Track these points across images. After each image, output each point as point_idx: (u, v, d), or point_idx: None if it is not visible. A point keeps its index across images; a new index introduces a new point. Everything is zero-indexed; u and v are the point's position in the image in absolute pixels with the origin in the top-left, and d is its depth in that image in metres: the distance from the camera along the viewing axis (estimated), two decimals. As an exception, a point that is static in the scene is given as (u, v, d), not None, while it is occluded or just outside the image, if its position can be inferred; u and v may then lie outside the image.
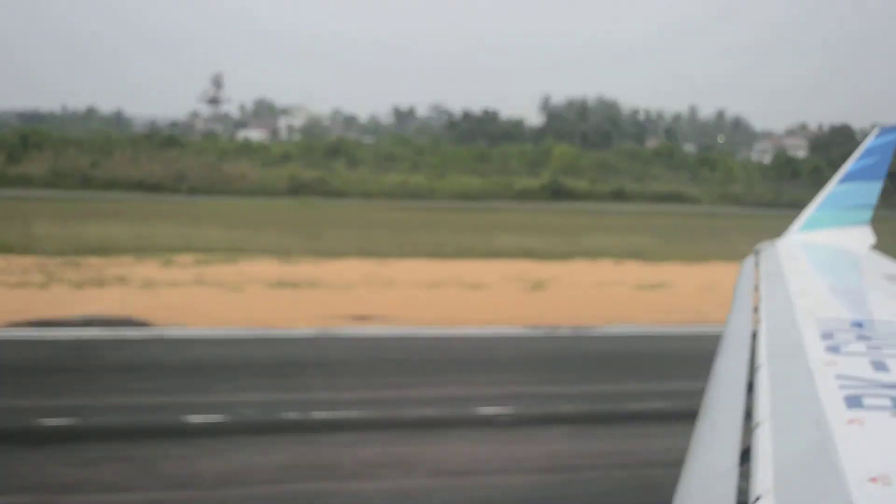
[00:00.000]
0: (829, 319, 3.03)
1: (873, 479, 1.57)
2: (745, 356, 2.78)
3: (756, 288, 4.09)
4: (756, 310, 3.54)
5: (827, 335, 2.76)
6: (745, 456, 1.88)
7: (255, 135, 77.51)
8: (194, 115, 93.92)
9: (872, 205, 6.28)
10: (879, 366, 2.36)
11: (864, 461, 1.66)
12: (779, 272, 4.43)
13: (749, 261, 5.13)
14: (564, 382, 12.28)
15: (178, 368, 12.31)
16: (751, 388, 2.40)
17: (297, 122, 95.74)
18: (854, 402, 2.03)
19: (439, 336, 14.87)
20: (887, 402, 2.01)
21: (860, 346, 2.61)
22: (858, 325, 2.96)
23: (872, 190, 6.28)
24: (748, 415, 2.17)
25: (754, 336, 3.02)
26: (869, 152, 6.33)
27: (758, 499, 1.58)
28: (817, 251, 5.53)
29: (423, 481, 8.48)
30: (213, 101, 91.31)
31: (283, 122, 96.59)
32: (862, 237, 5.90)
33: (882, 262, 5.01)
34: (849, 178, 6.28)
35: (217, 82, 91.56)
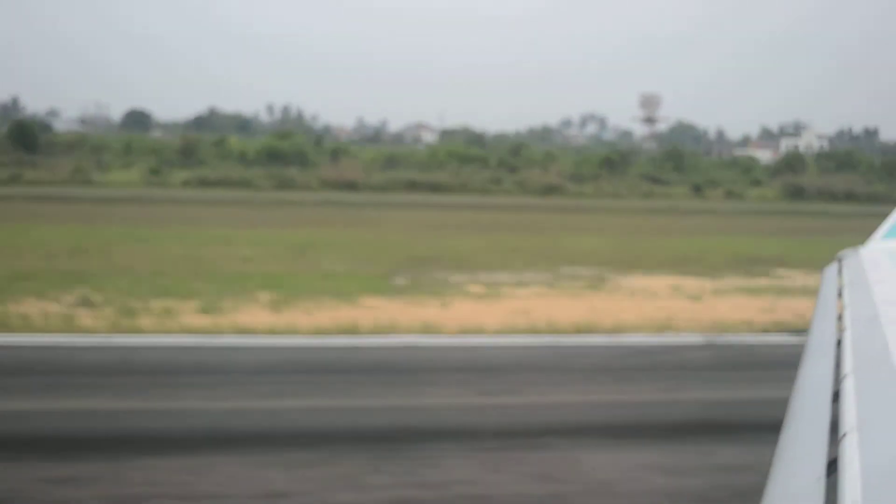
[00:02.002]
0: None
1: None
2: (830, 365, 2.71)
3: (839, 296, 3.99)
4: (840, 318, 3.45)
5: None
6: (832, 467, 1.83)
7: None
8: (626, 134, 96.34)
9: None
10: None
11: None
12: (863, 280, 4.31)
13: (832, 268, 5.01)
14: None
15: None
16: (836, 397, 2.33)
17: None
18: None
19: None
20: None
21: None
22: None
23: None
24: (834, 426, 2.11)
25: (839, 345, 2.94)
26: None
27: None
28: None
29: None
30: (649, 120, 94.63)
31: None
32: None
33: None
34: None
35: (650, 102, 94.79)
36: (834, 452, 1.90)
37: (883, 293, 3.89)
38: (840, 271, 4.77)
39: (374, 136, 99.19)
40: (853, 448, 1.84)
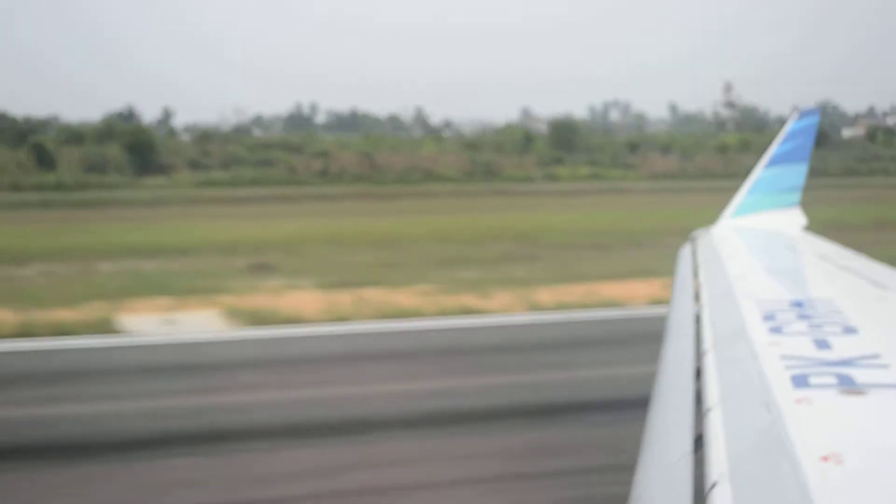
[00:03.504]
0: (769, 301, 3.07)
1: (825, 458, 1.58)
2: (691, 342, 2.80)
3: (695, 274, 4.14)
4: (697, 296, 3.57)
5: (768, 316, 2.79)
6: (699, 442, 1.89)
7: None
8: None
9: (800, 187, 6.44)
10: (822, 344, 2.39)
11: (814, 440, 1.67)
12: (716, 257, 4.49)
13: (686, 248, 5.20)
14: None
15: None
16: (699, 373, 2.41)
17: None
18: (800, 381, 2.05)
19: None
20: (833, 380, 2.04)
21: (802, 326, 2.64)
22: (798, 304, 3.00)
23: (799, 172, 6.44)
24: (698, 400, 2.18)
25: (697, 322, 3.05)
26: (791, 135, 6.49)
27: (714, 485, 1.58)
28: (751, 235, 5.63)
29: None
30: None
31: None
32: (793, 219, 6.04)
33: (815, 242, 5.12)
34: (774, 161, 6.43)
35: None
36: (699, 428, 1.96)
37: (734, 269, 4.06)
38: (694, 250, 4.95)
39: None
40: (717, 422, 1.90)
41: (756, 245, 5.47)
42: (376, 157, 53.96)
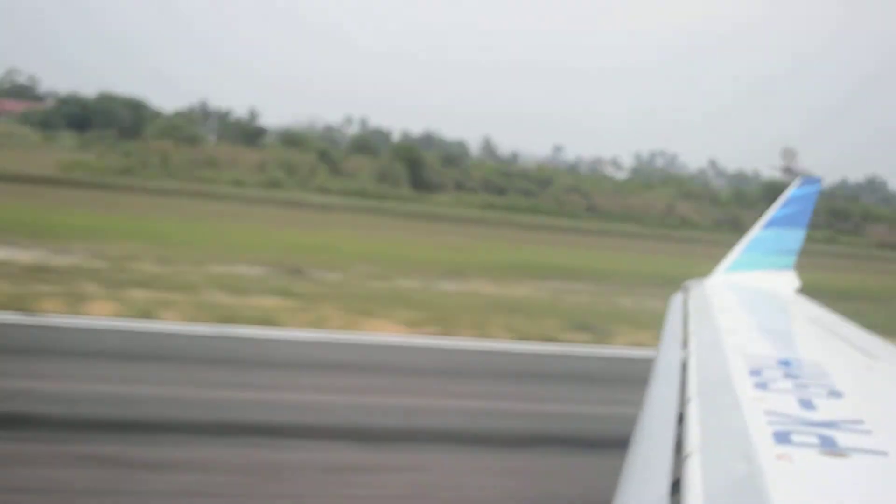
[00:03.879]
0: (757, 356, 3.07)
1: None
2: (675, 388, 2.80)
3: (685, 323, 4.14)
4: (685, 344, 3.57)
5: (755, 371, 2.79)
6: (676, 487, 1.88)
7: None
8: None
9: (796, 251, 6.48)
10: (806, 404, 2.39)
11: (793, 497, 1.66)
12: (707, 309, 4.49)
13: (677, 297, 5.20)
14: None
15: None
16: (681, 419, 2.40)
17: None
18: (782, 437, 2.05)
19: None
20: (815, 440, 2.03)
21: (787, 384, 2.64)
22: (786, 363, 3.00)
23: (796, 237, 6.48)
24: (679, 446, 2.17)
25: (684, 369, 3.04)
26: (791, 201, 6.54)
27: None
28: (744, 292, 5.64)
29: None
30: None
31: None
32: (787, 281, 6.06)
33: (807, 306, 5.13)
34: (773, 224, 6.46)
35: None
36: (678, 472, 1.95)
37: (725, 322, 4.06)
38: (685, 300, 4.96)
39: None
40: (696, 468, 1.89)
41: (748, 301, 5.48)
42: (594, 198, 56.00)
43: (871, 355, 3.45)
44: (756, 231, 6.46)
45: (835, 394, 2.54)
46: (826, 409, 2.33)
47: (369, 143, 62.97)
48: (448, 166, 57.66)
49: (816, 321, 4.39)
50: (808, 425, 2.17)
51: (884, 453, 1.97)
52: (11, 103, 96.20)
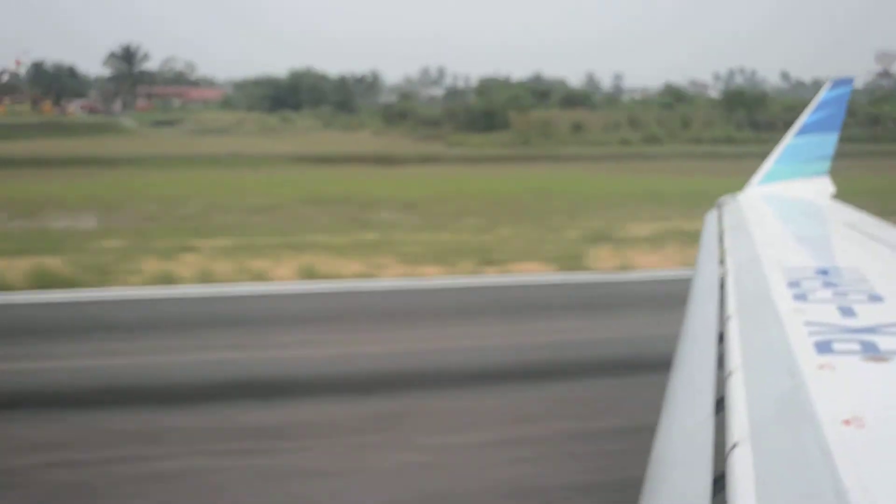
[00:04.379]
0: (794, 268, 3.07)
1: (846, 422, 1.58)
2: (714, 307, 2.80)
3: (721, 240, 4.13)
4: (722, 261, 3.57)
5: (794, 283, 2.78)
6: (720, 405, 1.90)
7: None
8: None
9: (830, 156, 6.39)
10: (846, 311, 2.39)
11: (836, 405, 1.68)
12: (742, 224, 4.47)
13: (712, 214, 5.17)
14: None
15: None
16: (721, 338, 2.42)
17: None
18: (824, 347, 2.05)
19: None
20: (856, 347, 2.04)
21: (826, 293, 2.64)
22: (824, 272, 2.99)
23: (829, 141, 6.38)
24: (721, 364, 2.18)
25: (722, 287, 3.05)
26: (823, 105, 6.42)
27: (735, 446, 1.60)
28: (779, 203, 5.59)
29: None
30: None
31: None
32: (822, 188, 5.99)
33: (843, 211, 5.08)
34: (805, 130, 6.37)
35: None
36: (721, 391, 1.97)
37: (761, 236, 4.04)
38: (720, 216, 4.93)
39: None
40: (739, 386, 1.91)
41: (783, 213, 5.43)
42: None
43: None
44: (788, 139, 6.37)
45: (875, 298, 2.54)
46: (867, 315, 2.33)
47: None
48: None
49: (853, 226, 4.35)
50: (849, 332, 2.17)
51: None
52: (193, 91, 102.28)
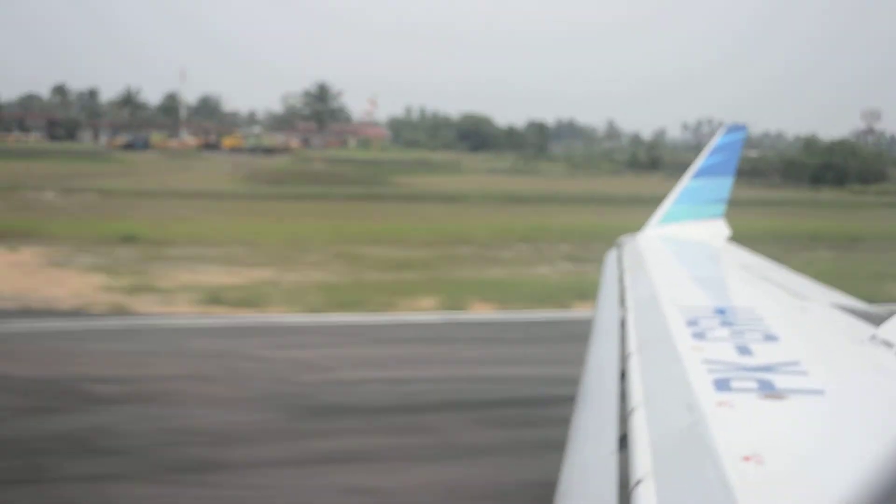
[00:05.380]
0: (693, 307, 3.13)
1: (746, 458, 1.61)
2: (616, 345, 2.84)
3: (621, 279, 4.19)
4: (622, 300, 3.62)
5: (692, 322, 2.84)
6: (623, 442, 1.91)
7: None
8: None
9: (725, 199, 6.58)
10: (743, 350, 2.44)
11: (736, 441, 1.70)
12: (642, 264, 4.56)
13: (612, 253, 5.26)
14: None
15: None
16: (623, 375, 2.44)
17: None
18: (722, 385, 2.09)
19: None
20: (753, 385, 2.08)
21: (724, 332, 2.69)
22: (721, 311, 3.07)
23: (724, 185, 6.58)
24: (623, 402, 2.20)
25: (623, 325, 3.09)
26: (718, 149, 6.62)
27: (638, 482, 1.60)
28: (677, 244, 5.73)
29: None
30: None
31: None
32: (717, 230, 6.17)
33: (738, 253, 5.23)
34: (701, 173, 6.55)
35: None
36: (624, 427, 1.98)
37: (659, 275, 4.13)
38: (620, 256, 5.02)
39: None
40: (641, 423, 1.92)
41: (681, 253, 5.56)
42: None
43: (803, 297, 3.53)
44: (685, 182, 6.54)
45: (770, 338, 2.60)
46: (763, 354, 2.39)
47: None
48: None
49: (748, 267, 4.49)
50: (747, 370, 2.22)
51: (820, 392, 2.03)
52: (369, 129, 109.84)
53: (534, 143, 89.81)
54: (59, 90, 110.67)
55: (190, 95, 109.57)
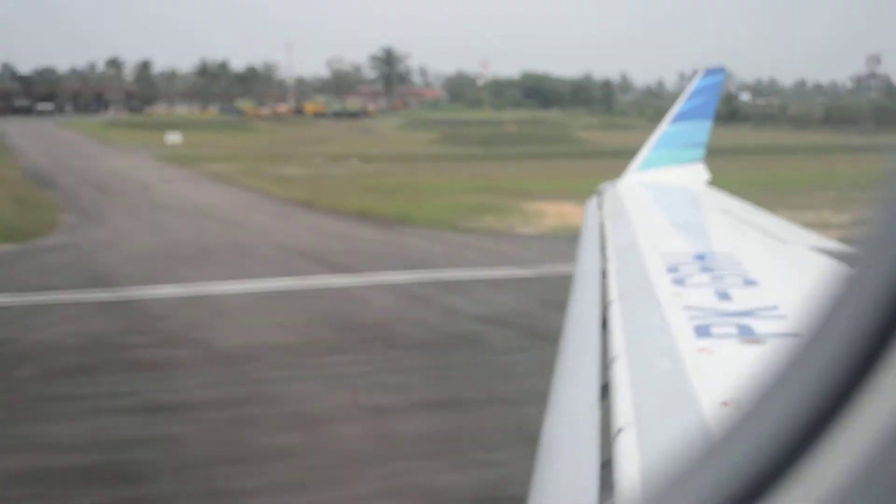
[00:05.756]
0: (673, 253, 3.14)
1: (725, 404, 1.62)
2: (597, 294, 2.84)
3: (601, 227, 4.19)
4: (603, 248, 3.62)
5: (672, 268, 2.85)
6: (605, 391, 1.92)
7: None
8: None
9: (704, 143, 6.57)
10: (723, 295, 2.45)
11: (715, 387, 1.72)
12: (622, 211, 4.56)
13: (592, 202, 5.26)
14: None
15: None
16: (605, 324, 2.45)
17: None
18: (703, 331, 2.11)
19: None
20: (733, 330, 2.10)
21: (704, 278, 2.71)
22: (701, 257, 3.08)
23: (703, 129, 6.56)
24: (605, 350, 2.21)
25: (604, 274, 3.09)
26: (697, 93, 6.59)
27: (620, 431, 1.62)
28: (657, 190, 5.73)
29: None
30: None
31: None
32: (697, 174, 6.17)
33: (717, 197, 5.24)
34: (680, 118, 6.53)
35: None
36: (606, 377, 1.99)
37: (640, 223, 4.13)
38: (600, 203, 5.02)
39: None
40: (622, 372, 1.94)
41: (660, 199, 5.57)
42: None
43: (782, 240, 3.55)
44: (664, 127, 6.53)
45: (749, 282, 2.62)
46: (742, 299, 2.41)
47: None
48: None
49: (727, 212, 4.50)
50: (727, 316, 2.24)
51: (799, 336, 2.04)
52: (426, 91, 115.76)
53: (599, 98, 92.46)
54: (114, 63, 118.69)
55: (238, 64, 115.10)
